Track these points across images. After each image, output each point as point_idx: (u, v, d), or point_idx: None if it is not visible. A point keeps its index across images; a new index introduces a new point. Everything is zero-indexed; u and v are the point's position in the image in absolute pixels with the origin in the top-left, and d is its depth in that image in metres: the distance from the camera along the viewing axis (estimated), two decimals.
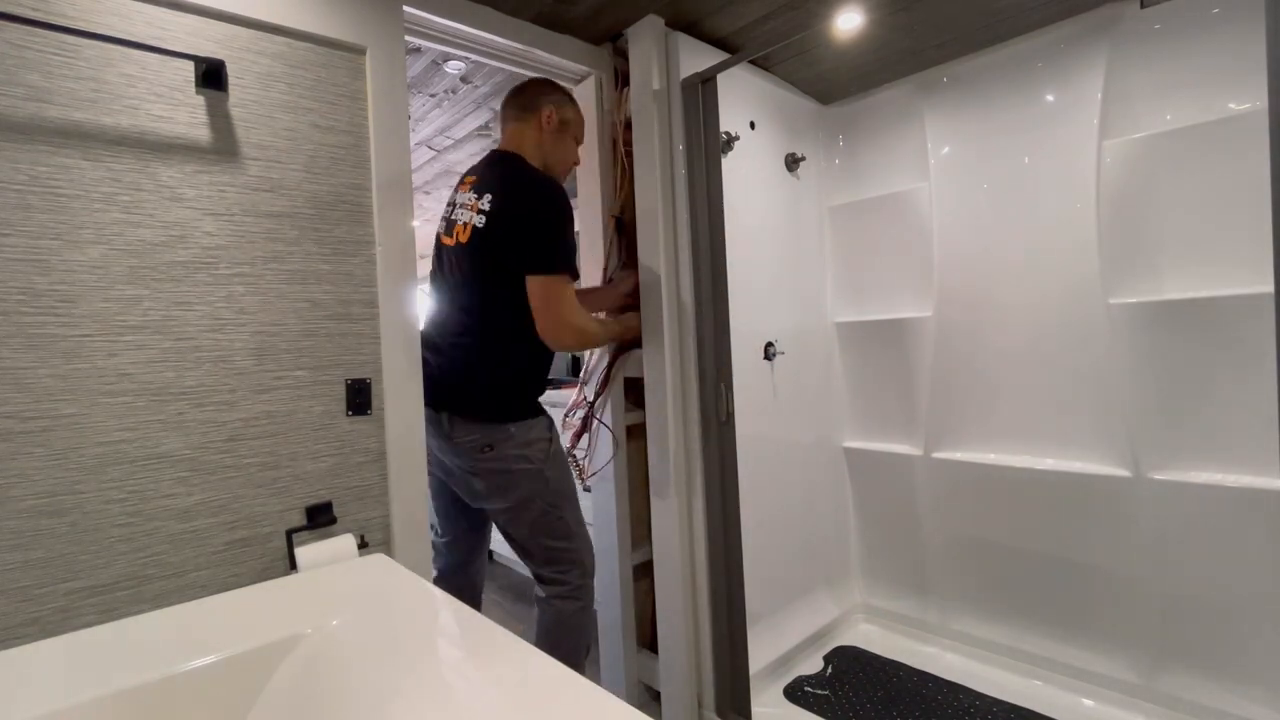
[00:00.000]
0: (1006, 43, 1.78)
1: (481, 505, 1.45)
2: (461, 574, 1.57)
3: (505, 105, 1.50)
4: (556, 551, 1.44)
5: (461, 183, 1.49)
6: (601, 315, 1.69)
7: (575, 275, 1.39)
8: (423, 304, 1.46)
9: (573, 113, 1.51)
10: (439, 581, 1.57)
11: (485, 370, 1.38)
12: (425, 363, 1.37)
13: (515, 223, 1.33)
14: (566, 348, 1.50)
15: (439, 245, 1.48)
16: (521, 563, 1.53)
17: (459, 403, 1.38)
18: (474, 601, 1.60)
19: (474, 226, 1.35)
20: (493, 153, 1.50)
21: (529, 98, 1.47)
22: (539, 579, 1.48)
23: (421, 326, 1.43)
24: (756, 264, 1.84)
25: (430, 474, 1.46)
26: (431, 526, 1.53)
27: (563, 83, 1.78)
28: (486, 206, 1.35)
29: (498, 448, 1.36)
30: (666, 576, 1.63)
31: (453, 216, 1.44)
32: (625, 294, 1.68)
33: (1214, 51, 1.49)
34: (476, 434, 1.36)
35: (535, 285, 1.33)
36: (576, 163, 1.58)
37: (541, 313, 1.34)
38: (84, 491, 1.00)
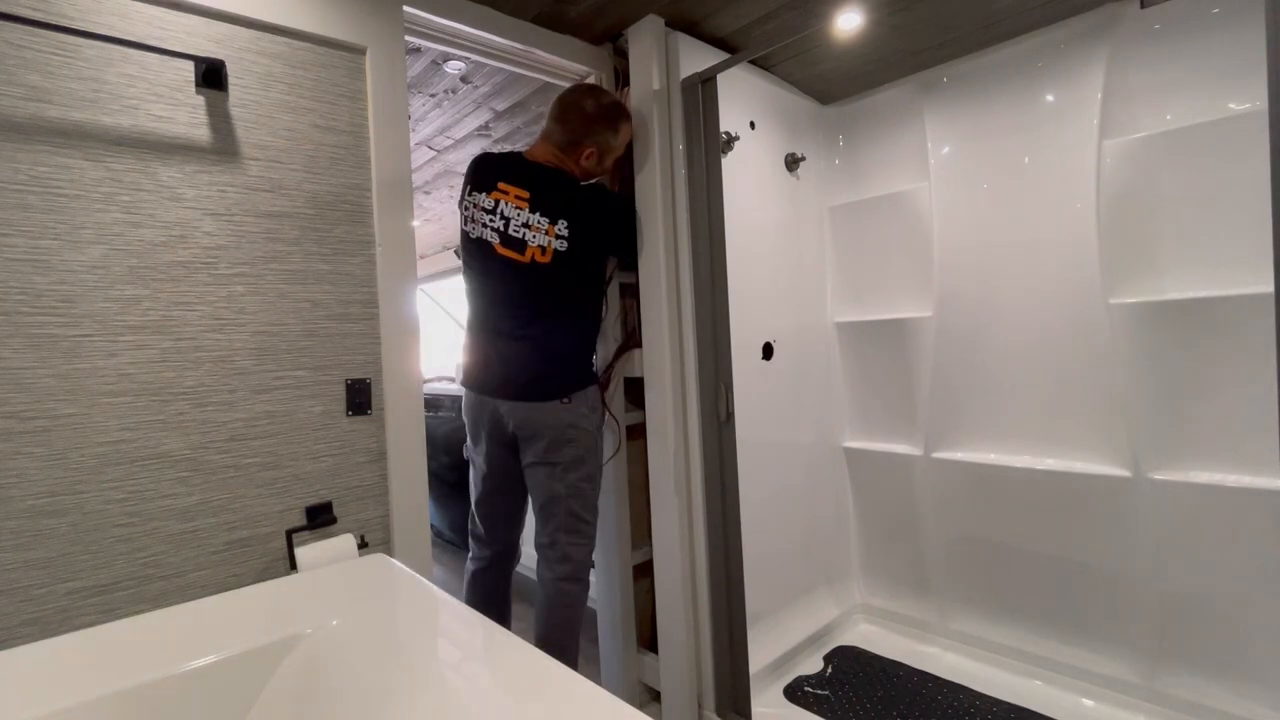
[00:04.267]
0: (1006, 43, 1.78)
1: (534, 462, 1.50)
2: (497, 567, 1.64)
3: (560, 119, 1.52)
4: (577, 523, 1.50)
5: (498, 189, 1.50)
6: None
7: None
8: (423, 304, 1.47)
9: (618, 141, 1.56)
10: (477, 577, 1.63)
11: (566, 346, 1.51)
12: (484, 353, 1.51)
13: (600, 228, 1.52)
14: None
15: (491, 253, 1.49)
16: (530, 564, 1.59)
17: (537, 381, 1.48)
18: (506, 597, 1.67)
19: (555, 250, 1.45)
20: (540, 163, 1.53)
21: (572, 126, 1.51)
22: (547, 554, 1.51)
23: (470, 318, 1.56)
24: (756, 264, 1.84)
25: (479, 463, 1.57)
26: (470, 516, 1.64)
27: (562, 83, 1.78)
28: (565, 232, 1.45)
29: (575, 402, 1.48)
30: (666, 576, 1.63)
31: (510, 232, 1.46)
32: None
33: (1214, 51, 1.49)
34: (555, 395, 1.48)
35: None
36: (606, 171, 1.65)
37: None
38: (84, 491, 1.00)
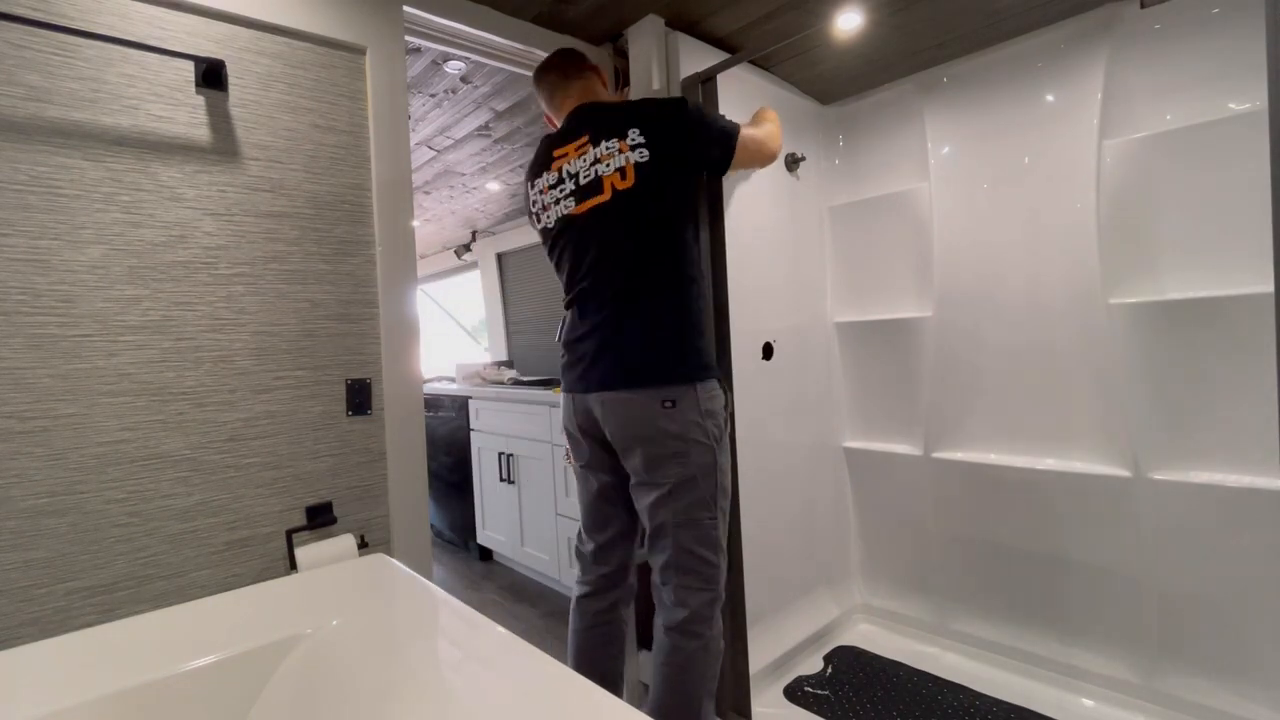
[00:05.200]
0: (1006, 43, 1.78)
1: (635, 481, 1.28)
2: (607, 595, 1.39)
3: (560, 70, 1.41)
4: (692, 561, 1.22)
5: (554, 158, 1.35)
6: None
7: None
8: (424, 304, 1.44)
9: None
10: (580, 604, 1.39)
11: (669, 312, 1.25)
12: (573, 343, 1.33)
13: (681, 130, 1.26)
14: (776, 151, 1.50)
15: (573, 222, 1.32)
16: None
17: (631, 356, 1.24)
18: (617, 636, 1.40)
19: (636, 165, 1.24)
20: (578, 109, 1.37)
21: (579, 58, 1.43)
22: (659, 594, 1.27)
23: (563, 322, 1.38)
24: (756, 264, 1.84)
25: (582, 473, 1.39)
26: (578, 534, 1.45)
27: None
28: (640, 140, 1.24)
29: (681, 406, 1.20)
30: None
31: (584, 182, 1.29)
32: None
33: (1214, 51, 1.49)
34: (652, 381, 1.22)
35: (749, 147, 1.38)
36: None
37: (767, 149, 1.44)
38: (84, 491, 1.00)
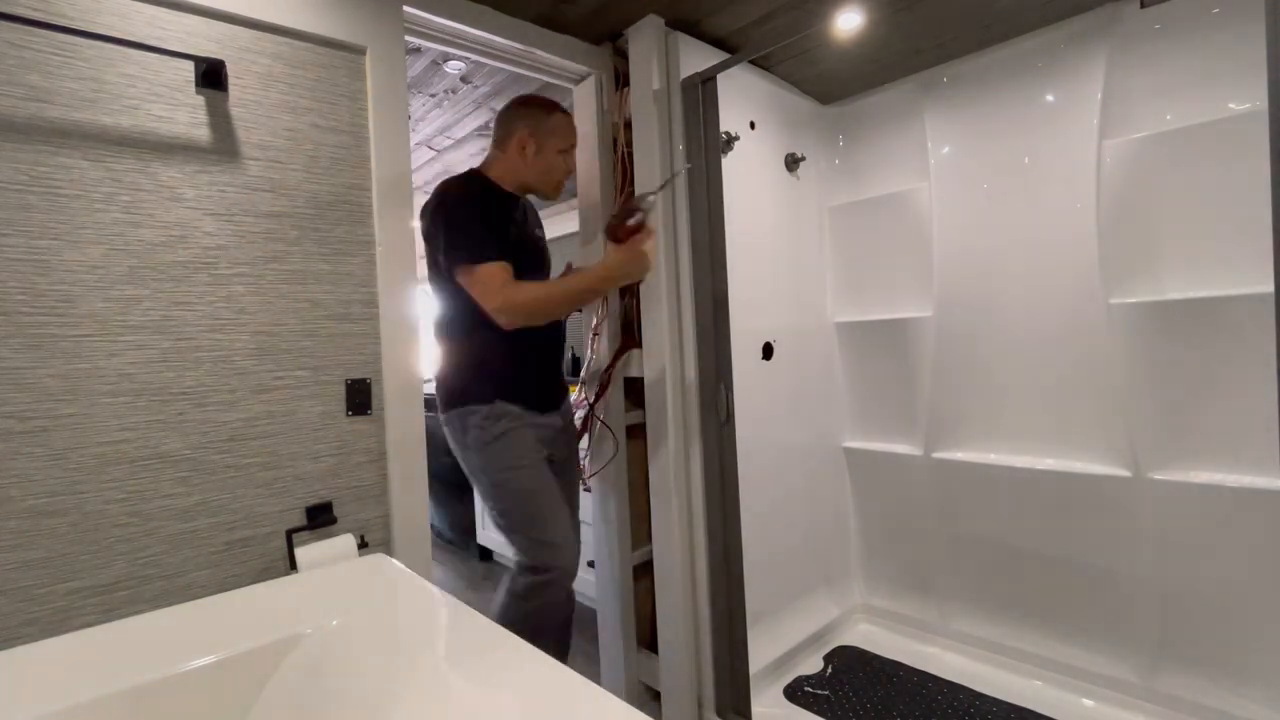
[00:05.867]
0: (1006, 43, 1.78)
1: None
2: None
3: (497, 122, 1.52)
4: (508, 536, 1.48)
5: None
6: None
7: (497, 256, 1.34)
8: (425, 304, 1.48)
9: (552, 124, 1.47)
10: (568, 595, 1.50)
11: (452, 361, 1.49)
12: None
13: (428, 238, 1.44)
14: (527, 322, 1.36)
15: None
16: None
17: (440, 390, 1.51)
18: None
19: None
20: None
21: (502, 124, 1.50)
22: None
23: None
24: (756, 264, 1.84)
25: (542, 470, 1.49)
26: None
27: (562, 83, 1.78)
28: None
29: (449, 422, 1.49)
30: (666, 576, 1.63)
31: None
32: (610, 233, 1.47)
33: (1214, 51, 1.49)
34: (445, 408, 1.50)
35: (465, 282, 1.36)
36: (569, 172, 1.54)
37: (483, 300, 1.33)
38: (84, 491, 1.00)
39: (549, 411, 1.52)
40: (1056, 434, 1.73)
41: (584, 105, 1.77)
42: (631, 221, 1.40)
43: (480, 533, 3.03)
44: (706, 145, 1.57)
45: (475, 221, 1.38)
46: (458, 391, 1.47)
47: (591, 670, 1.90)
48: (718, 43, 1.72)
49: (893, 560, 2.11)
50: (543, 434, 1.49)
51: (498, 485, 1.44)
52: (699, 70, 1.58)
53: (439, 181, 1.49)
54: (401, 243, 1.34)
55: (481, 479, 1.46)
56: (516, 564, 1.47)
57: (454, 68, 1.80)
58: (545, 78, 1.73)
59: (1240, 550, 1.46)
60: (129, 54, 1.05)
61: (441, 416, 1.50)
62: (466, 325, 1.44)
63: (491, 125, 2.25)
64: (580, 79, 1.78)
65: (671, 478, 1.60)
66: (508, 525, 1.46)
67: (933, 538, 1.98)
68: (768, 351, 1.87)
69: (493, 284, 1.33)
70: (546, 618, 1.45)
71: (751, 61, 1.85)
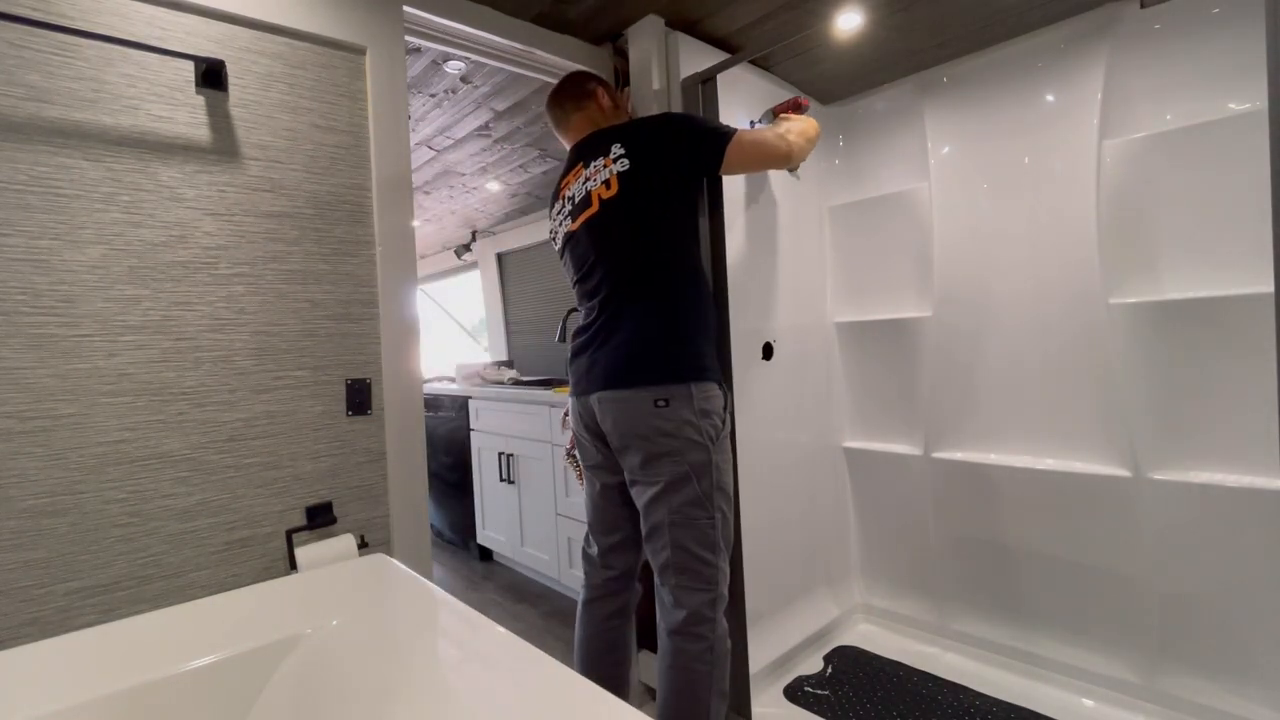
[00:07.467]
0: (1006, 43, 1.78)
1: (632, 479, 1.28)
2: (611, 599, 1.39)
3: (559, 104, 1.45)
4: (688, 560, 1.21)
5: (563, 186, 1.44)
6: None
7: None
8: (424, 305, 1.46)
9: (614, 89, 1.52)
10: (586, 609, 1.39)
11: (660, 312, 1.25)
12: (576, 356, 1.36)
13: (663, 136, 1.29)
14: (808, 152, 1.45)
15: (572, 238, 1.38)
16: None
17: (622, 357, 1.25)
18: (622, 643, 1.39)
19: (618, 174, 1.28)
20: (576, 145, 1.43)
21: (578, 88, 1.44)
22: (660, 596, 1.26)
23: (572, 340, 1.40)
24: (756, 264, 1.84)
25: (589, 474, 1.41)
26: (585, 536, 1.45)
27: None
28: (621, 151, 1.28)
29: (674, 404, 1.20)
30: None
31: (580, 201, 1.36)
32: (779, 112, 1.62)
33: (1214, 51, 1.49)
34: (644, 381, 1.22)
35: (737, 152, 1.30)
36: (625, 107, 1.57)
37: (770, 151, 1.36)
38: (84, 491, 1.00)
39: None
40: (1056, 434, 1.73)
41: None
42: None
43: (480, 533, 3.03)
44: None
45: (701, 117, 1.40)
46: (686, 360, 1.22)
47: None
48: (718, 43, 1.72)
49: (892, 560, 2.11)
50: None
51: (721, 490, 1.23)
52: (699, 70, 1.58)
53: (614, 127, 1.36)
54: (401, 243, 1.34)
55: (704, 481, 1.20)
56: (705, 601, 1.20)
57: (454, 68, 1.80)
58: (545, 78, 1.73)
59: (1240, 550, 1.46)
60: (129, 54, 1.05)
61: (634, 393, 1.22)
62: (688, 271, 1.28)
63: (491, 125, 2.25)
64: None
65: None
66: (715, 547, 1.22)
67: (933, 538, 1.98)
68: (768, 351, 1.87)
69: (765, 134, 1.38)
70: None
71: (751, 61, 1.85)
